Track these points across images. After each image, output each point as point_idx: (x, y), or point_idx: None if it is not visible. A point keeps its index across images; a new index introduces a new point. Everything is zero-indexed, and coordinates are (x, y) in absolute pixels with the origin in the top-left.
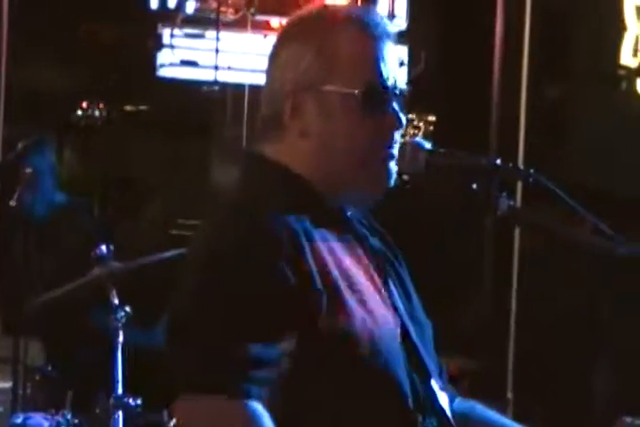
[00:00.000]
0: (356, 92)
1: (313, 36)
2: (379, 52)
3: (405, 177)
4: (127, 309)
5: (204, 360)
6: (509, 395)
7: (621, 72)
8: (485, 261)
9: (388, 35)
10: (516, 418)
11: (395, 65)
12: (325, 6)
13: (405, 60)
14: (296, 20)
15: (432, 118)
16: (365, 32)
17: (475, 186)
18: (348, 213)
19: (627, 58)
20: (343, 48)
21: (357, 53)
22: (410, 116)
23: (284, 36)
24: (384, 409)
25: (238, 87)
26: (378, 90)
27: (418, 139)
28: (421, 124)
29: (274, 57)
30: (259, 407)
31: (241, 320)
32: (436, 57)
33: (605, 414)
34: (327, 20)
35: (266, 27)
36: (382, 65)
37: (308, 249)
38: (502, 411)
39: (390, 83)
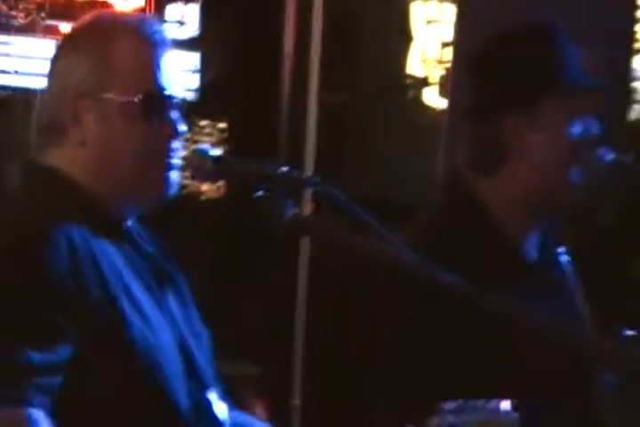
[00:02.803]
0: (134, 99)
1: (91, 44)
2: (156, 60)
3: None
4: None
5: None
6: (296, 402)
7: (408, 81)
8: (272, 269)
9: (166, 42)
10: (303, 426)
11: (174, 73)
12: (104, 14)
13: (197, 67)
14: (75, 28)
15: (224, 125)
16: (143, 40)
17: (260, 193)
18: (128, 224)
19: (414, 67)
20: (120, 56)
21: (134, 61)
22: (202, 123)
23: (64, 45)
24: (158, 422)
25: (28, 91)
26: (155, 98)
27: (204, 146)
28: (214, 131)
29: (54, 65)
30: (40, 416)
31: (17, 326)
32: (228, 63)
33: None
34: (105, 29)
35: (56, 31)
36: (160, 73)
37: (86, 258)
38: (288, 418)
39: (168, 91)
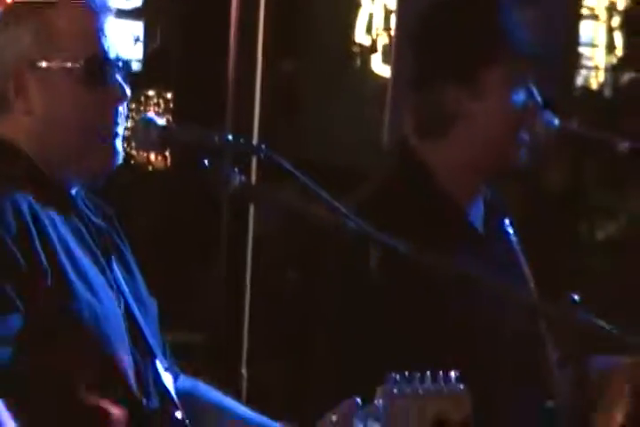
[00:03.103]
0: (77, 65)
1: (31, 14)
2: (98, 25)
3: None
4: None
5: None
6: (243, 371)
7: (355, 49)
8: (221, 238)
9: (107, 8)
10: (251, 395)
11: (117, 38)
12: None
13: (141, 37)
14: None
15: (170, 95)
16: (84, 6)
17: (207, 162)
18: (73, 192)
19: (361, 35)
20: (61, 24)
21: (76, 28)
22: (148, 93)
23: (4, 18)
24: (106, 393)
25: None
26: (98, 62)
27: (150, 115)
28: (160, 100)
29: None
30: None
31: None
32: (173, 33)
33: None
34: None
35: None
36: (103, 38)
37: (32, 228)
38: (236, 387)
39: (112, 55)
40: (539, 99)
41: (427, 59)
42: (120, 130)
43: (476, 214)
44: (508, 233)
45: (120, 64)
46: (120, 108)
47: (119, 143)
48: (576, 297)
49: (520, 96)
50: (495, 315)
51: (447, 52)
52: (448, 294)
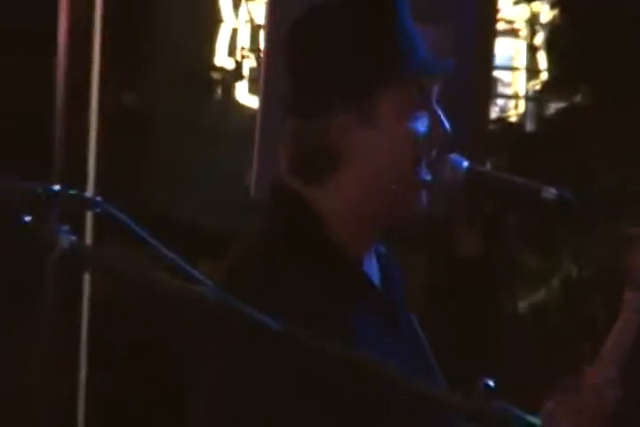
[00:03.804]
0: None
1: None
2: None
3: None
4: None
5: None
6: None
7: (215, 75)
8: (47, 307)
9: None
10: None
11: None
12: None
13: None
14: None
15: None
16: None
17: (28, 218)
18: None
19: (222, 58)
20: None
21: None
22: None
23: None
24: None
25: None
26: None
27: None
28: None
29: None
30: None
31: None
32: None
33: None
34: None
35: None
36: None
37: None
38: None
39: None
40: (445, 130)
41: (306, 82)
42: None
43: (373, 270)
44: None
45: None
46: None
47: None
48: (490, 383)
49: (422, 125)
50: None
51: (331, 73)
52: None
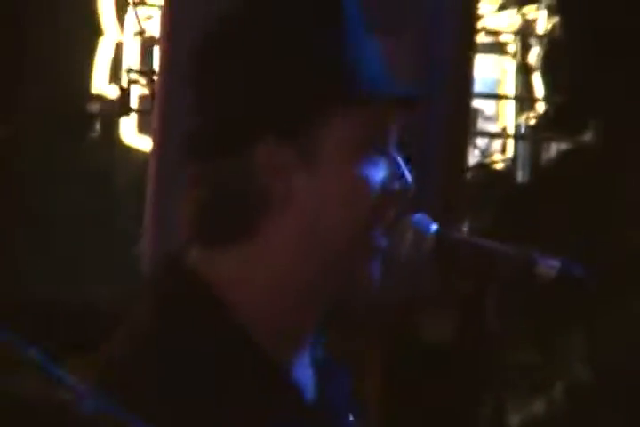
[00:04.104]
0: None
1: None
2: None
3: None
4: None
5: None
6: None
7: (92, 107)
8: None
9: None
10: None
11: None
12: None
13: None
14: None
15: None
16: None
17: None
18: None
19: (102, 84)
20: None
21: None
22: None
23: None
24: None
25: None
26: None
27: None
28: None
29: None
30: None
31: None
32: None
33: None
34: None
35: None
36: None
37: None
38: None
39: None
40: (407, 181)
41: (221, 111)
42: None
43: (305, 372)
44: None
45: None
46: None
47: None
48: None
49: (377, 173)
50: None
51: (255, 98)
52: None
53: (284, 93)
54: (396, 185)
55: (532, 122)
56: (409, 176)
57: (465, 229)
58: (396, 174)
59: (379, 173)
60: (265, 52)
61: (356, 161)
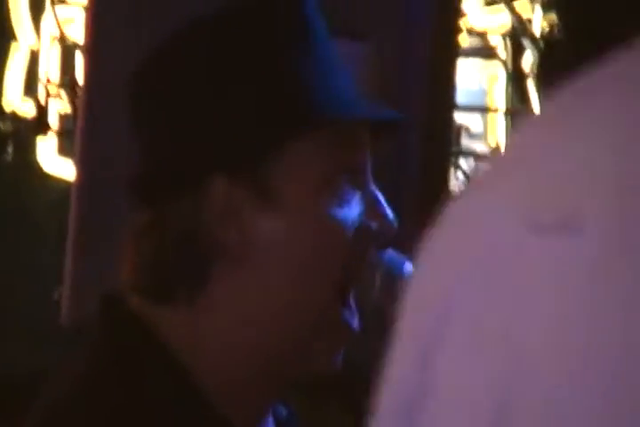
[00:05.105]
0: None
1: None
2: None
3: None
4: None
5: None
6: None
7: (4, 126)
8: None
9: None
10: None
11: None
12: None
13: None
14: None
15: None
16: None
17: None
18: None
19: (14, 98)
20: None
21: None
22: None
23: None
24: None
25: None
26: None
27: None
28: None
29: None
30: None
31: None
32: None
33: None
34: None
35: None
36: None
37: None
38: None
39: None
40: (389, 216)
41: (159, 152)
42: None
43: None
44: None
45: None
46: None
47: None
48: None
49: (350, 207)
50: None
51: (205, 125)
52: None
53: (228, 126)
54: (374, 225)
55: None
56: (390, 213)
57: None
58: (375, 211)
59: (352, 212)
60: (201, 84)
61: (325, 198)
